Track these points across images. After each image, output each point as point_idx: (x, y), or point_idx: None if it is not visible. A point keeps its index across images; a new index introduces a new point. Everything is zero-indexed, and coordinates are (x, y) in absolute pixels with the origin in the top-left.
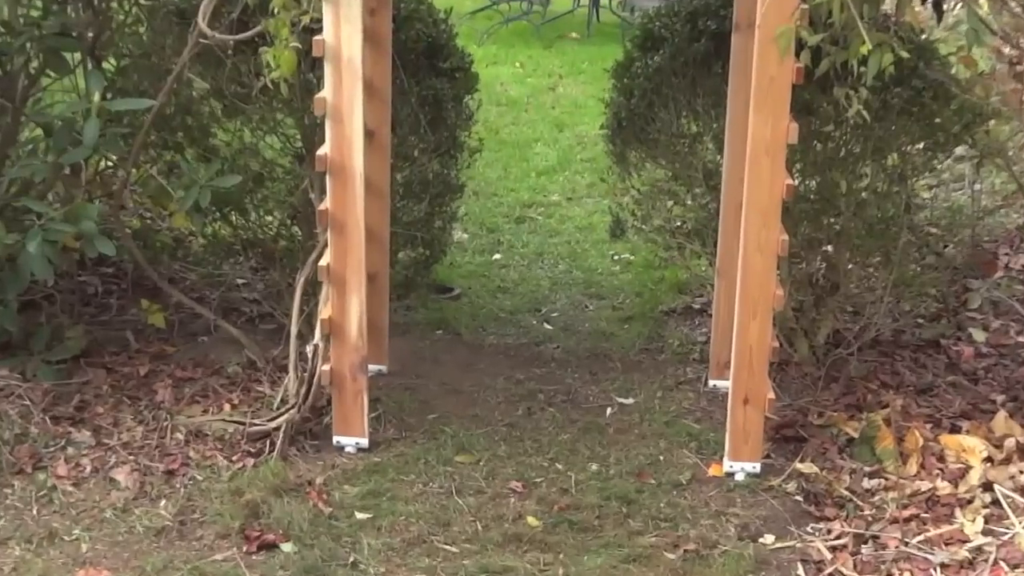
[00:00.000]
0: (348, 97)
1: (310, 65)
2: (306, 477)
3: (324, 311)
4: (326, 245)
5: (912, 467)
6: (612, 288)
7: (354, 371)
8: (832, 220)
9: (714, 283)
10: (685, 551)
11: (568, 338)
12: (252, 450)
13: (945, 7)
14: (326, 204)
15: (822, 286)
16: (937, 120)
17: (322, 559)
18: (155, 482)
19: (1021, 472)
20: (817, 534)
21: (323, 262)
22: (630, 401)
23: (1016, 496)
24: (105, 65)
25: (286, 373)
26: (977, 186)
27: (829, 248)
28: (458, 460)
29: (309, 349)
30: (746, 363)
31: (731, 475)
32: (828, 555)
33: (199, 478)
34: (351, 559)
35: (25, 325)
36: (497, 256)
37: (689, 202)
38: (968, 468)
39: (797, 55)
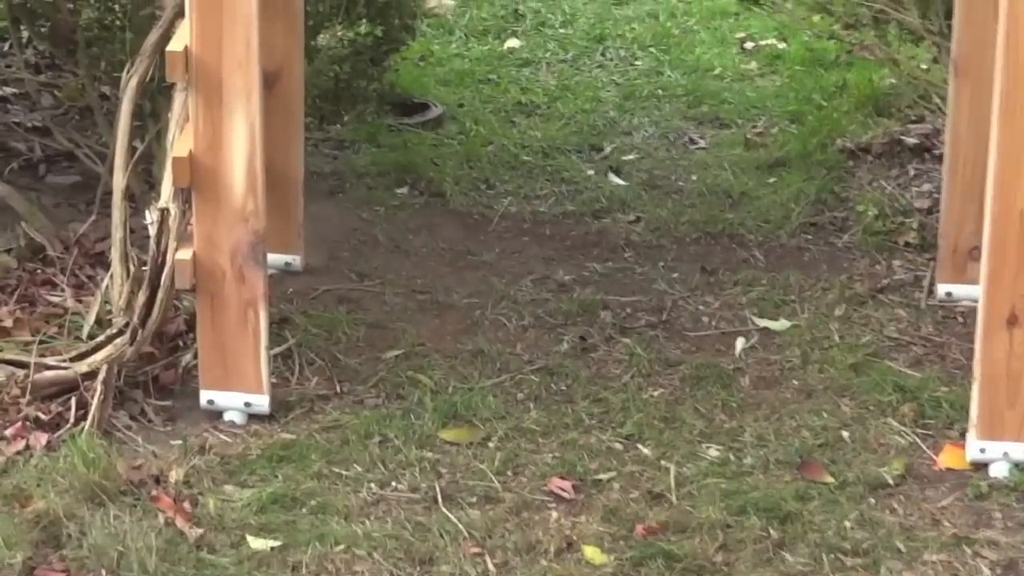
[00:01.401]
0: None
1: None
2: (150, 469)
3: (179, 143)
4: (181, 12)
5: None
6: (742, 105)
7: (240, 261)
8: None
9: (948, 93)
10: None
11: (657, 203)
12: (43, 416)
13: None
14: None
15: None
16: None
17: None
18: None
19: None
20: None
21: (174, 47)
22: (782, 325)
23: None
24: None
25: (105, 269)
26: None
27: None
28: (445, 438)
29: (150, 219)
30: (1014, 248)
31: (982, 467)
32: None
33: None
34: None
35: None
36: (514, 43)
37: None
38: None
39: None
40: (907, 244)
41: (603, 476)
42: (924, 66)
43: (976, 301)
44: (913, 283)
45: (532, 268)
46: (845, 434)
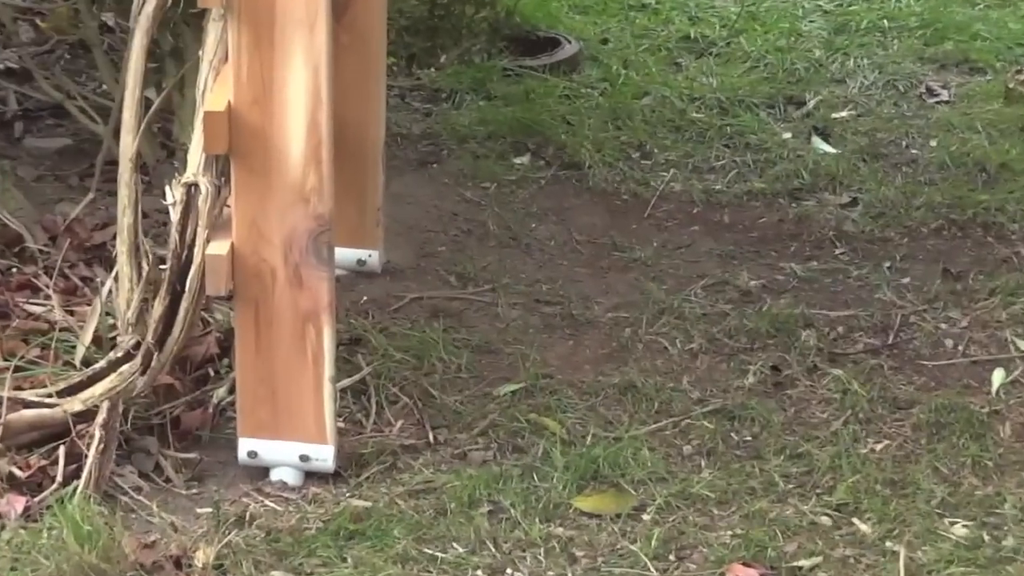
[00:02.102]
0: None
1: None
2: (168, 547)
3: (214, 94)
4: None
5: None
6: (1002, 41)
7: (297, 258)
8: None
9: None
10: None
11: (881, 179)
12: (19, 473)
13: None
14: None
15: None
16: None
17: None
18: None
19: None
20: None
21: None
22: None
23: None
24: None
25: (107, 268)
26: None
27: None
28: (582, 507)
29: (172, 199)
30: None
31: None
32: None
33: None
34: None
35: None
36: None
37: None
38: None
39: None
40: None
41: (804, 562)
42: None
43: None
44: None
45: (704, 269)
46: None
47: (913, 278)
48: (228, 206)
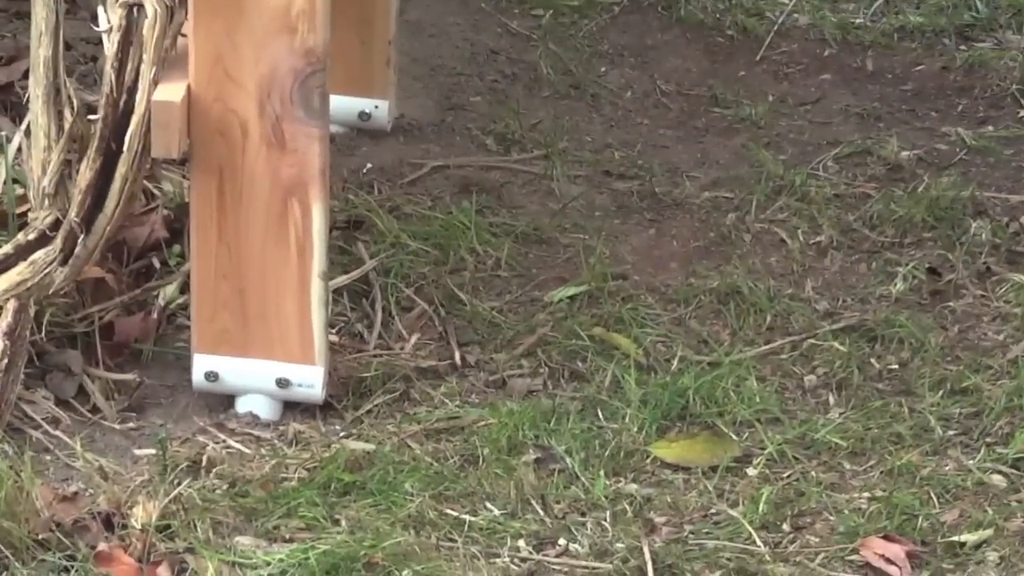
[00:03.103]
0: None
1: None
2: (95, 501)
3: None
4: None
5: None
6: None
7: (278, 109)
8: None
9: None
10: None
11: None
12: None
13: None
14: None
15: None
16: None
17: None
18: None
19: None
20: None
21: None
22: None
23: None
24: None
25: (15, 118)
26: None
27: None
28: (664, 457)
29: (106, 25)
30: None
31: None
32: None
33: None
34: None
35: None
36: None
37: None
38: None
39: None
40: None
41: (967, 536)
42: None
43: None
44: None
45: (838, 134)
46: None
47: None
48: (184, 35)
